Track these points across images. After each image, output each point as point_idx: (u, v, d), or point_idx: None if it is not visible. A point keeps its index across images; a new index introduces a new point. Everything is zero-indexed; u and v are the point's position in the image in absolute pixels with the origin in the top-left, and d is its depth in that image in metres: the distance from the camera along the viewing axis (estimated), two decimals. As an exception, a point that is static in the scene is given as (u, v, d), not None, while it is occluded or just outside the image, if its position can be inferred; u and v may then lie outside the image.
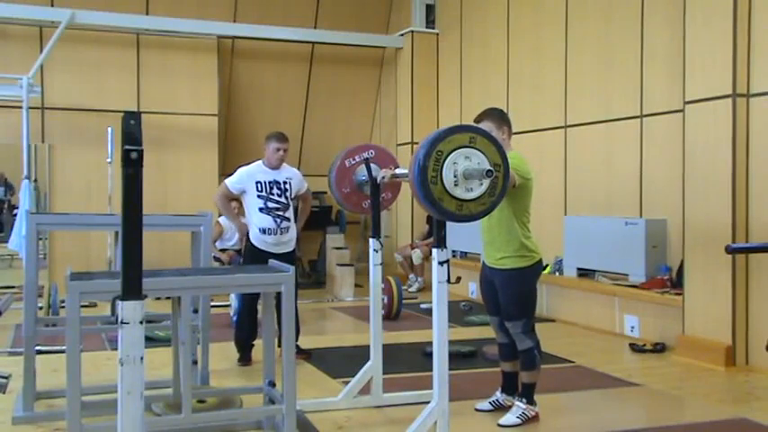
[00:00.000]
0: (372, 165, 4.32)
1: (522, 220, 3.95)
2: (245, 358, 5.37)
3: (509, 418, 3.97)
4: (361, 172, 4.36)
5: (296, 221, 5.51)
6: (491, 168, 3.10)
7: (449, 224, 3.52)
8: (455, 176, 3.09)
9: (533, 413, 4.00)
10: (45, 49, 8.24)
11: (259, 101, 10.21)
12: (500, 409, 4.14)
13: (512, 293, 3.96)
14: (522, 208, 3.94)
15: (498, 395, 4.21)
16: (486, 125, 3.89)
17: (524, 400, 4.00)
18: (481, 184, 3.13)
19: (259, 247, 5.25)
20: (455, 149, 3.10)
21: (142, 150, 2.18)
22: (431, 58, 9.94)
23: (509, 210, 3.87)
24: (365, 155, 4.37)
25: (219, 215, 7.53)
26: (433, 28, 10.06)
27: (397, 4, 10.53)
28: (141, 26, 9.07)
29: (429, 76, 9.94)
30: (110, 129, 7.73)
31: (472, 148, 3.13)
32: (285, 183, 5.34)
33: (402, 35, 10.11)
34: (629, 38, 6.61)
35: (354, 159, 4.38)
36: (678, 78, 5.82)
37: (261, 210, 5.27)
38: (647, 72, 6.45)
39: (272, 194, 5.29)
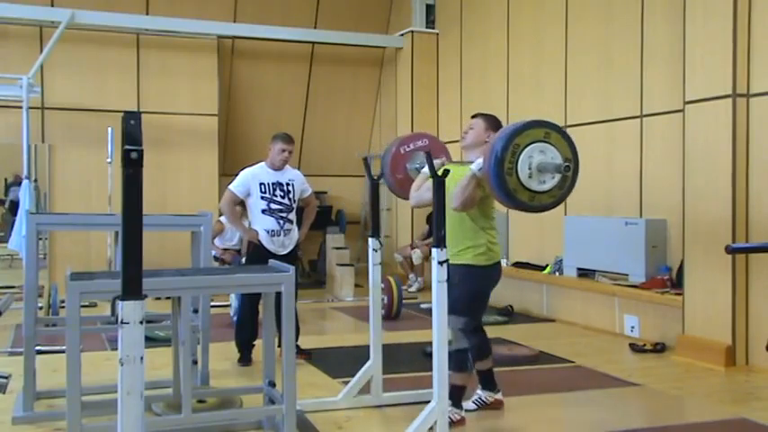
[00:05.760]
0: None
1: (487, 220, 3.94)
2: (245, 358, 5.37)
3: None
4: (416, 159, 4.36)
5: (299, 225, 5.51)
6: (568, 164, 3.24)
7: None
8: (530, 169, 3.23)
9: (458, 417, 3.90)
10: (45, 49, 8.24)
11: (259, 101, 10.21)
12: (485, 407, 4.13)
13: (463, 289, 3.92)
14: (486, 206, 3.93)
15: (480, 392, 4.18)
16: (477, 120, 4.04)
17: (450, 402, 3.83)
18: (553, 178, 3.28)
19: (267, 247, 5.25)
20: (531, 143, 3.24)
21: (142, 150, 2.18)
22: (431, 58, 9.94)
23: (475, 209, 3.87)
24: (419, 143, 4.41)
25: (220, 215, 7.54)
26: (433, 28, 10.06)
27: (397, 4, 10.53)
28: (141, 26, 9.08)
29: (429, 76, 9.93)
30: (110, 129, 7.74)
31: (546, 142, 3.27)
32: (288, 184, 5.34)
33: (402, 35, 10.10)
34: (629, 38, 6.60)
35: (409, 147, 4.40)
36: (678, 78, 5.82)
37: (264, 211, 5.27)
38: (647, 72, 6.45)
39: (275, 196, 5.29)
